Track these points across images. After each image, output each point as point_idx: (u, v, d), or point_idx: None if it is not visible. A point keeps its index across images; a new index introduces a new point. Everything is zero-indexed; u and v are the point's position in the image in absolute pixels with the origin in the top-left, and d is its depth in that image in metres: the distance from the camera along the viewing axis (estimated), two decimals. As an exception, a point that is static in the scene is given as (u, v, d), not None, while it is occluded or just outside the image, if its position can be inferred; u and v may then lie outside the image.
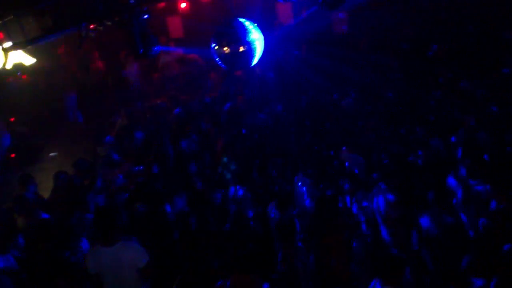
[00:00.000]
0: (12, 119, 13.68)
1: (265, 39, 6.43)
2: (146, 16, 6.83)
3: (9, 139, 12.37)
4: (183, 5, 17.81)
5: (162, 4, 17.25)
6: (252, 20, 6.45)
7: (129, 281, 5.22)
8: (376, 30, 16.42)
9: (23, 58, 9.38)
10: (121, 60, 17.32)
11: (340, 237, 5.93)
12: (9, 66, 7.99)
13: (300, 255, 5.46)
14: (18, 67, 9.33)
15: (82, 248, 6.33)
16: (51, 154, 12.50)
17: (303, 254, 5.57)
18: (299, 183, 7.82)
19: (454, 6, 15.36)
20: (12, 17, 7.14)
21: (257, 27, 6.36)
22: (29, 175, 8.47)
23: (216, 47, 6.27)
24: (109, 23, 7.47)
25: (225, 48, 6.20)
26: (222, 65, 6.36)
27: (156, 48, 6.91)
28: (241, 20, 6.28)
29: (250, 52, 6.09)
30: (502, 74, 11.66)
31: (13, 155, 12.33)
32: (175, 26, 18.55)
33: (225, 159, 9.04)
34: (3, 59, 7.42)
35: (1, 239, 6.16)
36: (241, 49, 6.04)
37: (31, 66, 12.73)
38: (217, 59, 6.38)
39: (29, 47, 8.93)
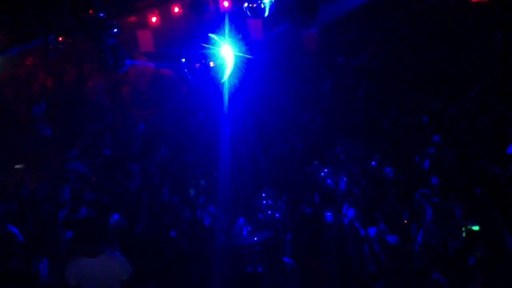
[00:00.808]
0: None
1: (235, 55, 6.48)
2: (115, 30, 6.82)
3: None
4: (153, 19, 17.80)
5: (132, 18, 17.21)
6: (223, 36, 6.50)
7: None
8: (345, 47, 16.69)
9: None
10: (84, 73, 17.20)
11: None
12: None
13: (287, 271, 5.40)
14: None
15: (44, 265, 6.25)
16: (17, 166, 12.24)
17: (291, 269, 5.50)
18: (263, 195, 7.85)
19: (425, 23, 15.73)
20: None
21: (227, 43, 6.42)
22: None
23: (186, 62, 6.28)
24: (78, 35, 7.44)
25: (195, 63, 6.22)
26: (192, 80, 6.37)
27: (126, 62, 6.89)
28: (212, 35, 6.33)
29: (220, 67, 6.13)
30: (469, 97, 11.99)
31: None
32: (145, 40, 18.49)
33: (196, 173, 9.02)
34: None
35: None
36: (211, 64, 6.08)
37: None
38: (188, 73, 6.39)
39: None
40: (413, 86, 13.08)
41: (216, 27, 16.14)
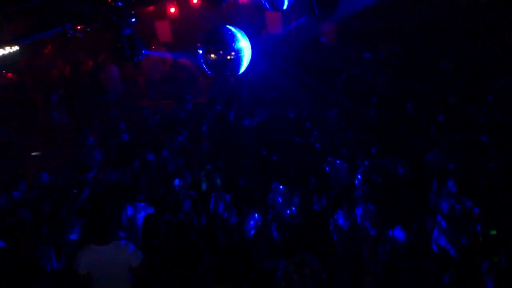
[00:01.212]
0: (-5, 116, 13.55)
1: (252, 47, 6.41)
2: (134, 20, 6.81)
3: None
4: (172, 9, 17.83)
5: (151, 8, 17.25)
6: (241, 27, 6.43)
7: (122, 281, 5.15)
8: (364, 41, 16.56)
9: (8, 56, 9.35)
10: (99, 62, 17.28)
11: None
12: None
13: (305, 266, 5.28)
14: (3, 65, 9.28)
15: (52, 255, 6.29)
16: (34, 153, 12.39)
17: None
18: (274, 192, 7.78)
19: (448, 17, 15.51)
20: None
21: (245, 35, 6.35)
22: (20, 175, 8.39)
23: (203, 54, 6.23)
24: (96, 24, 7.46)
25: (212, 55, 6.17)
26: (209, 72, 6.32)
27: (143, 51, 6.88)
28: (229, 27, 6.26)
29: (237, 60, 6.07)
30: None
31: (-5, 152, 12.21)
32: (163, 30, 18.55)
33: (208, 166, 8.98)
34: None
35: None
36: (229, 56, 6.03)
37: (18, 64, 12.73)
38: (204, 65, 6.34)
39: (11, 46, 8.93)
40: (433, 82, 12.87)
41: (235, 19, 16.17)
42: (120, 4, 6.84)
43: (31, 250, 6.12)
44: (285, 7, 9.75)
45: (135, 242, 5.54)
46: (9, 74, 15.60)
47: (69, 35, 7.15)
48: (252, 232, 6.82)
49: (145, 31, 14.27)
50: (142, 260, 5.17)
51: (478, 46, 14.65)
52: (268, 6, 9.79)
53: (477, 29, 14.61)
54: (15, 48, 9.44)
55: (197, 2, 17.67)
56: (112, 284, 5.15)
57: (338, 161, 8.73)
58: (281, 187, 7.82)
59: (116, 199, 7.56)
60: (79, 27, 8.03)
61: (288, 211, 7.43)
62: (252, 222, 6.86)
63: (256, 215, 6.90)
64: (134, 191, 7.53)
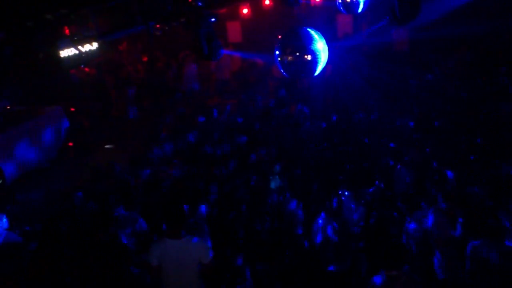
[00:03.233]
0: (72, 110, 14.16)
1: (328, 50, 6.37)
2: (213, 19, 6.93)
3: (67, 123, 12.84)
4: (245, 10, 18.04)
5: (222, 9, 17.53)
6: (315, 30, 6.40)
7: (191, 276, 5.25)
8: (437, 50, 16.10)
9: (89, 51, 9.79)
10: (179, 60, 17.71)
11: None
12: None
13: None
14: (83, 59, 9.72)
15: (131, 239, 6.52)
16: (107, 146, 12.86)
17: None
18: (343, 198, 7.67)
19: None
20: (85, 11, 7.40)
21: (322, 37, 6.32)
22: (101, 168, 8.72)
23: (280, 54, 6.24)
24: (175, 23, 7.65)
25: (289, 56, 6.17)
26: (285, 73, 6.33)
27: (220, 51, 6.99)
28: (308, 29, 6.25)
29: (314, 61, 6.05)
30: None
31: (70, 143, 12.77)
32: (234, 30, 18.83)
33: (277, 167, 9.00)
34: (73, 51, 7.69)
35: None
36: (306, 58, 6.01)
37: (96, 60, 13.30)
38: (280, 66, 6.35)
39: (95, 42, 9.35)
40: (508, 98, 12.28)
41: (307, 21, 16.15)
42: (200, 4, 6.99)
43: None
44: (360, 10, 9.64)
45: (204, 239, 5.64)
46: (86, 69, 16.29)
47: (150, 32, 7.35)
48: (319, 236, 6.75)
49: (216, 31, 14.47)
50: (212, 257, 5.25)
51: None
52: (342, 9, 9.71)
53: None
54: (95, 44, 9.88)
55: (269, 4, 17.78)
56: (182, 278, 5.25)
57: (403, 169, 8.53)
58: (346, 193, 7.73)
59: (191, 197, 7.72)
60: (158, 26, 8.25)
61: (355, 216, 7.32)
62: (319, 225, 6.79)
63: (323, 214, 6.81)
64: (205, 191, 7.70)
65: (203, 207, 7.28)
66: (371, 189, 8.10)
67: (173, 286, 5.27)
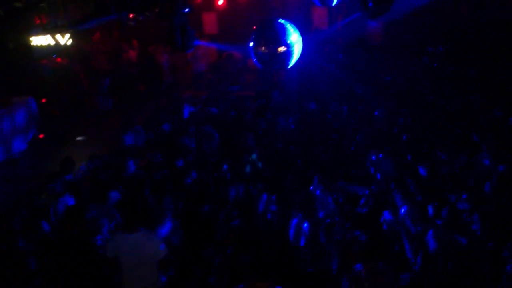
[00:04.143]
0: (44, 100, 13.90)
1: (302, 42, 6.37)
2: (187, 10, 6.87)
3: (38, 113, 12.62)
4: (220, 1, 17.94)
5: (198, 0, 17.42)
6: (290, 22, 6.39)
7: (147, 271, 5.20)
8: (411, 44, 16.25)
9: (58, 41, 9.59)
10: (150, 51, 17.51)
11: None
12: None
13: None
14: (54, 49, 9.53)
15: (104, 233, 6.42)
16: (79, 138, 12.67)
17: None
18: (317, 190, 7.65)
19: (501, 24, 15.06)
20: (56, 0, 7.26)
21: (296, 29, 6.32)
22: (72, 160, 8.55)
23: (254, 46, 6.23)
24: (148, 13, 7.56)
25: (263, 48, 6.15)
26: (259, 65, 6.32)
27: (194, 42, 6.94)
28: (282, 21, 6.24)
29: (288, 53, 6.05)
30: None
31: (41, 135, 12.55)
32: (210, 22, 18.70)
33: (253, 156, 8.93)
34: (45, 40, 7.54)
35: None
36: (280, 50, 6.01)
37: (68, 50, 13.05)
38: (254, 58, 6.34)
39: (67, 31, 9.17)
40: (479, 90, 12.45)
41: (282, 13, 16.14)
42: (174, -6, 6.92)
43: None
44: (334, 3, 9.68)
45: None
46: (58, 59, 15.98)
47: (123, 22, 7.25)
48: (292, 232, 6.69)
49: (191, 22, 14.35)
50: (168, 253, 5.25)
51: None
52: (317, 2, 9.74)
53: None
54: (67, 34, 9.70)
55: (245, -5, 17.75)
56: (139, 272, 5.23)
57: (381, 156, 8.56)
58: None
59: (153, 188, 7.58)
60: (131, 16, 8.15)
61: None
62: (295, 222, 6.72)
63: (298, 216, 6.74)
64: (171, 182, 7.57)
65: (167, 199, 7.18)
66: (345, 183, 8.14)
67: (130, 280, 5.24)
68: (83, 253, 5.56)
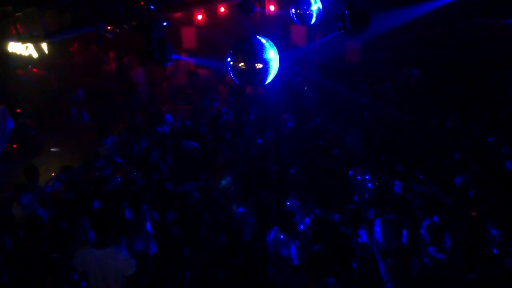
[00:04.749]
0: (18, 110, 13.67)
1: (279, 59, 6.40)
2: (164, 23, 6.88)
3: (11, 123, 12.37)
4: (199, 17, 18.02)
5: (178, 14, 17.43)
6: (268, 39, 6.43)
7: (116, 286, 5.16)
8: (387, 62, 16.52)
9: (35, 52, 9.48)
10: (125, 65, 17.41)
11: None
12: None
13: None
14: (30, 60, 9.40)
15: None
16: (53, 149, 12.48)
17: None
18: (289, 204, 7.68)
19: (472, 44, 15.43)
20: (32, 10, 7.20)
21: (273, 46, 6.36)
22: (35, 167, 8.41)
23: (232, 62, 6.23)
24: (126, 26, 7.54)
25: (241, 64, 6.16)
26: (236, 80, 6.33)
27: (172, 56, 6.93)
28: (259, 37, 6.27)
29: (265, 69, 6.07)
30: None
31: (15, 145, 12.32)
32: (188, 36, 18.73)
33: (228, 178, 8.94)
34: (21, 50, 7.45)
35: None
36: (257, 66, 6.02)
37: (44, 61, 12.89)
38: (231, 73, 6.34)
39: (43, 42, 9.07)
40: (455, 108, 12.71)
41: (261, 30, 16.26)
42: (152, 7, 6.93)
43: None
44: (312, 21, 9.82)
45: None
46: (34, 69, 15.79)
47: (100, 34, 7.22)
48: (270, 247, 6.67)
49: (170, 37, 14.35)
50: (137, 269, 5.22)
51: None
52: (296, 20, 9.86)
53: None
54: (44, 44, 9.60)
55: (224, 11, 17.83)
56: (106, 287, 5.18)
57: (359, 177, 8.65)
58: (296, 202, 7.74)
59: (120, 203, 7.39)
60: (109, 28, 8.12)
61: (302, 227, 7.28)
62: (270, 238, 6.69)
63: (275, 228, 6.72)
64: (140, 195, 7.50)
65: (144, 209, 7.08)
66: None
67: None
68: (44, 267, 5.49)
